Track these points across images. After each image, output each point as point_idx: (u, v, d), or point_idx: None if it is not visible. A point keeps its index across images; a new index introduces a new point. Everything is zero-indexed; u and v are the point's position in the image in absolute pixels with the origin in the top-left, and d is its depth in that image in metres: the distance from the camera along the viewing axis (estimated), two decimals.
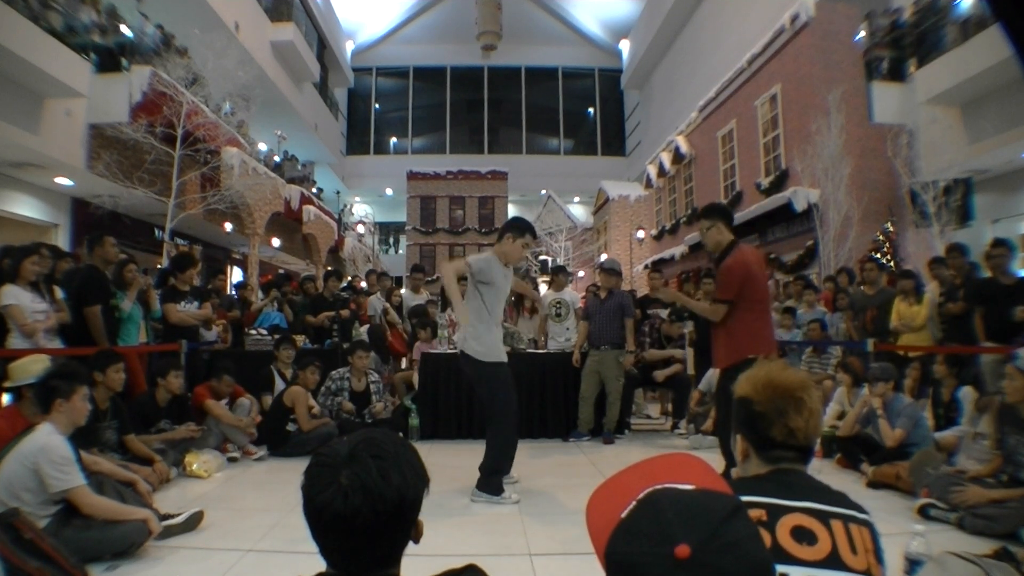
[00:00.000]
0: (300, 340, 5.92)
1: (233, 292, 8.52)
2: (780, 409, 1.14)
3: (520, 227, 3.59)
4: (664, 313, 6.53)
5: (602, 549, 0.67)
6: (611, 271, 5.44)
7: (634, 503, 0.68)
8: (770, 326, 3.55)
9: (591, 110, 28.80)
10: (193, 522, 2.84)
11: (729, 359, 3.34)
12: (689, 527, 0.62)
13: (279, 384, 5.05)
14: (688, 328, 6.40)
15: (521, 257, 3.66)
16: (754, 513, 1.04)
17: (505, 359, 3.60)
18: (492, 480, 3.45)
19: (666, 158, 16.54)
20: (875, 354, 4.79)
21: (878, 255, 7.92)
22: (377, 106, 28.48)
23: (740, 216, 10.68)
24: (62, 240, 8.98)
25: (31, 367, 2.98)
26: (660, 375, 5.85)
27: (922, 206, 8.06)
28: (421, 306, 6.60)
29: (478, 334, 3.50)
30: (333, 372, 5.05)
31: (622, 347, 5.26)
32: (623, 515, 0.67)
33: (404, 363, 6.57)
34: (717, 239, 3.42)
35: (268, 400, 4.92)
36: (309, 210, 14.78)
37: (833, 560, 1.00)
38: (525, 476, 3.92)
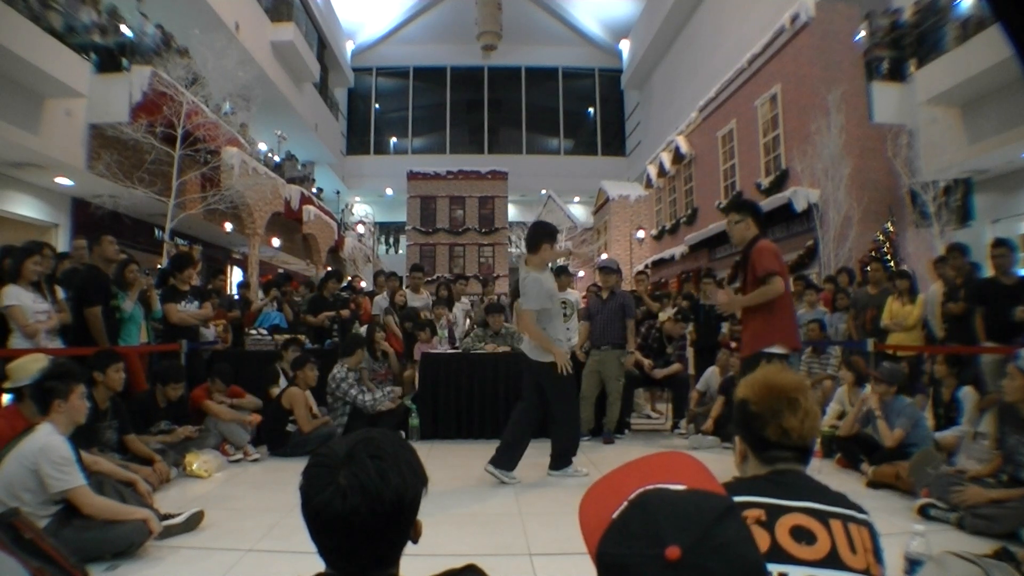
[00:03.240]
0: (301, 340, 5.91)
1: (235, 293, 8.50)
2: (775, 409, 1.15)
3: (552, 232, 4.01)
4: (665, 314, 6.53)
5: (594, 549, 0.67)
6: (609, 269, 5.43)
7: (625, 504, 0.67)
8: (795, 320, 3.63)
9: (591, 110, 28.77)
10: (193, 522, 2.84)
11: (762, 343, 3.33)
12: (680, 528, 0.62)
13: (283, 382, 5.04)
14: (689, 328, 6.41)
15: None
16: (753, 513, 1.04)
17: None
18: (563, 458, 3.99)
19: (666, 158, 16.53)
20: (875, 354, 4.79)
21: (878, 255, 7.91)
22: (377, 106, 28.45)
23: None
24: (62, 240, 8.98)
25: (30, 366, 2.98)
26: (659, 373, 5.85)
27: (922, 206, 8.05)
28: (414, 309, 6.58)
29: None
30: (336, 374, 5.00)
31: (623, 347, 5.26)
32: (614, 516, 0.67)
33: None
34: (744, 234, 3.49)
35: (275, 391, 4.90)
36: (309, 210, 14.77)
37: (832, 559, 1.00)
38: (525, 476, 3.92)
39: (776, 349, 3.27)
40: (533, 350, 3.93)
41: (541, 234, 3.90)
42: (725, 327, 6.18)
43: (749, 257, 3.40)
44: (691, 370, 6.35)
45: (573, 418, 4.08)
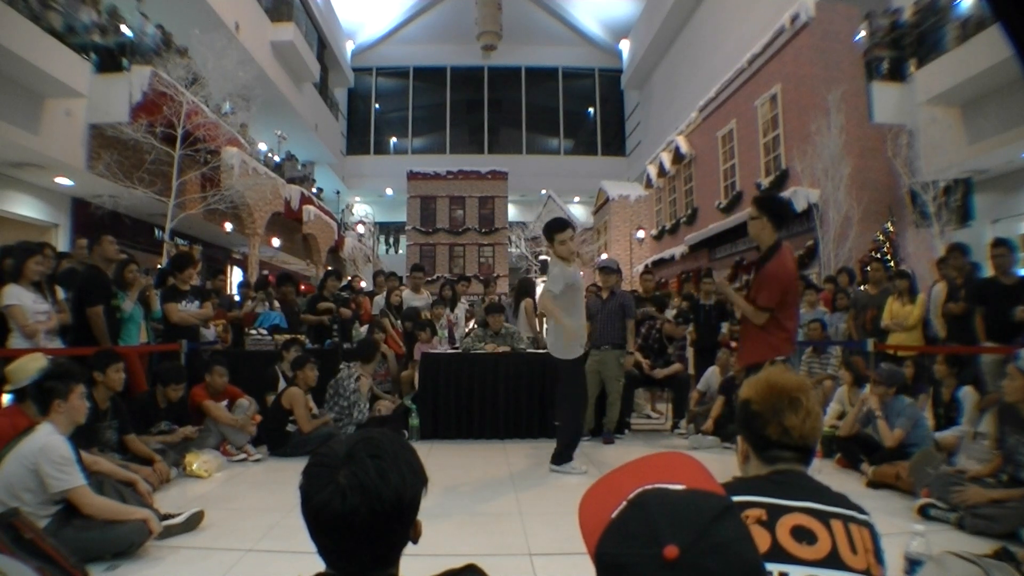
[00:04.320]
0: (302, 340, 5.90)
1: (237, 294, 8.45)
2: (776, 408, 1.16)
3: (552, 227, 4.08)
4: (670, 314, 6.53)
5: (593, 549, 0.67)
6: (609, 269, 5.44)
7: (624, 503, 0.67)
8: (796, 326, 3.61)
9: (591, 110, 28.78)
10: (193, 522, 2.84)
11: (756, 357, 3.31)
12: (678, 528, 0.62)
13: (283, 384, 5.04)
14: (689, 328, 6.41)
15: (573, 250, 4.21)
16: (754, 512, 1.04)
17: (580, 352, 4.16)
18: (564, 454, 4.10)
19: (666, 158, 16.53)
20: (875, 354, 4.79)
21: (878, 255, 7.91)
22: (377, 106, 28.46)
23: (740, 216, 10.69)
24: (62, 240, 8.98)
25: (28, 366, 2.97)
26: (659, 373, 5.85)
27: (922, 206, 8.05)
28: (414, 309, 6.58)
29: (561, 336, 4.03)
30: (345, 383, 4.99)
31: (623, 347, 5.25)
32: (613, 516, 0.67)
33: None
34: (759, 233, 3.36)
35: (270, 399, 4.90)
36: (309, 210, 14.77)
37: (833, 559, 1.00)
38: (525, 476, 3.93)
39: (779, 358, 3.27)
40: (554, 347, 4.10)
41: (546, 232, 4.16)
42: (725, 327, 6.18)
43: (762, 268, 3.34)
44: (691, 370, 6.35)
45: (574, 419, 4.22)
